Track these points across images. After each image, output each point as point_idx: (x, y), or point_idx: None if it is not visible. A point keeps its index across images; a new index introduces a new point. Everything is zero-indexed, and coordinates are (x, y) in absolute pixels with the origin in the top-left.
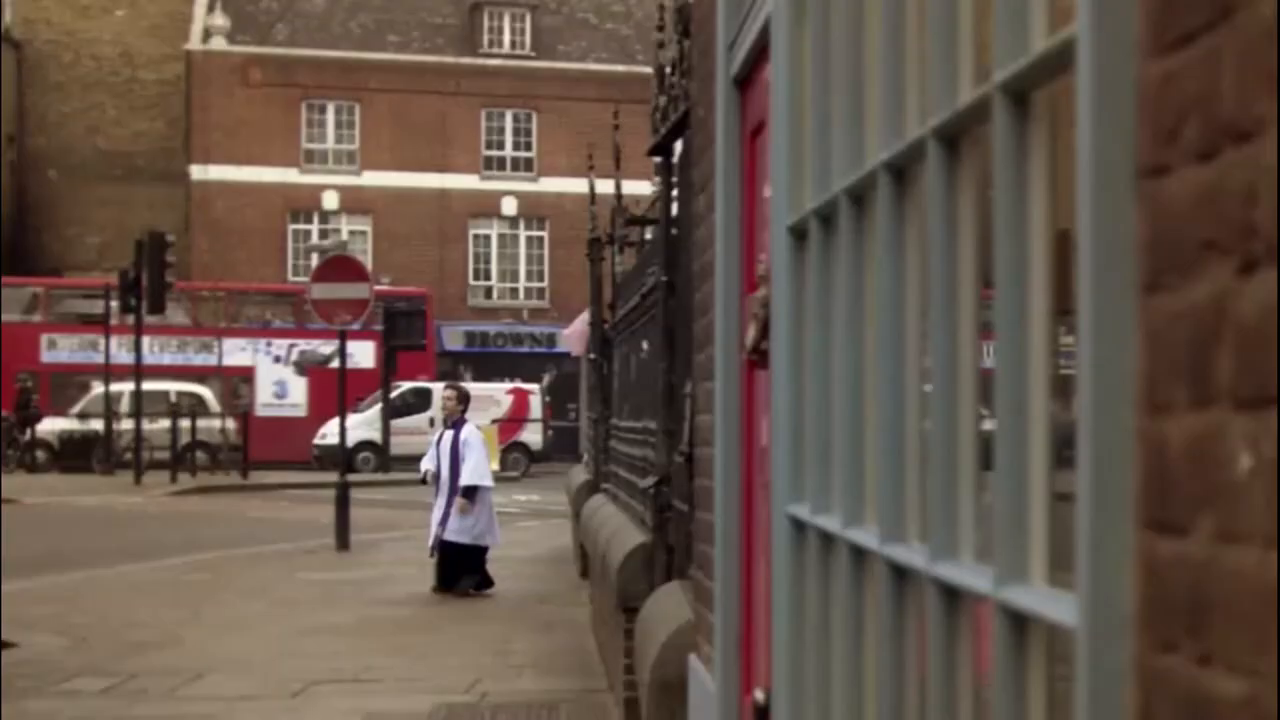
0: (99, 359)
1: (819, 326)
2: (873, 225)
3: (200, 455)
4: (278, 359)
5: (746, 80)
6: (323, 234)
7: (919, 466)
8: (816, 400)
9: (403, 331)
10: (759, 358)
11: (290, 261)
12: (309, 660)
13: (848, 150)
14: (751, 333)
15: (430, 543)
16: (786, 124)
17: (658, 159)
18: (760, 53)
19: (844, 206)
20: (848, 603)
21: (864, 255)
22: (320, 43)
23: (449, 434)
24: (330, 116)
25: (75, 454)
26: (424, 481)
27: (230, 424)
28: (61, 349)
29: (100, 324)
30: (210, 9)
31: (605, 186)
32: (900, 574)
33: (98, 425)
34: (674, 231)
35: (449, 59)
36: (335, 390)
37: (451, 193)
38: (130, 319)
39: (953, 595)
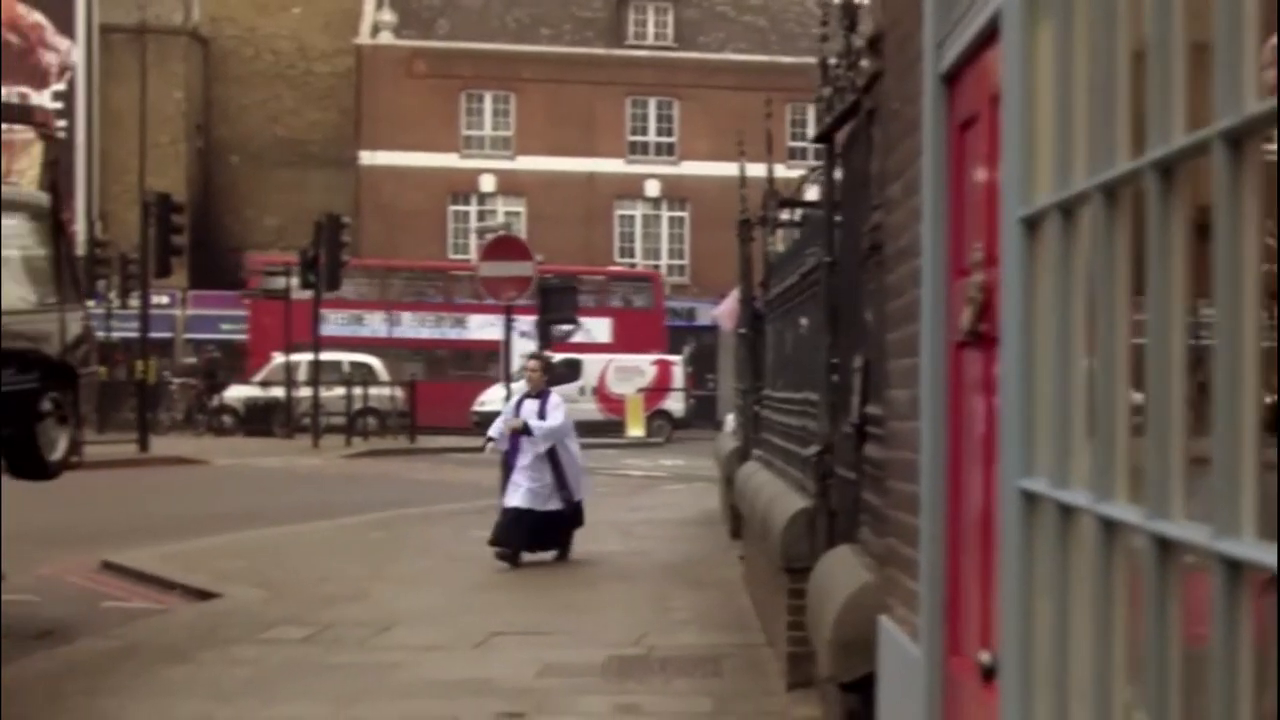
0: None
1: (1056, 312)
2: (1125, 220)
3: (370, 421)
4: (523, 333)
5: (955, 76)
6: (480, 215)
7: (1174, 442)
8: (1053, 380)
9: (555, 307)
10: (973, 339)
11: (450, 241)
12: (485, 614)
13: (1099, 148)
14: (967, 315)
15: (505, 502)
16: (1020, 121)
17: (822, 145)
18: (974, 52)
19: (1096, 201)
20: (1091, 573)
21: (1114, 248)
22: (479, 36)
23: (532, 403)
24: (488, 105)
25: (258, 419)
26: (482, 449)
27: (399, 392)
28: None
29: (282, 298)
30: (379, 6)
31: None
32: (1163, 546)
33: (278, 392)
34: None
35: (597, 50)
36: None
37: (599, 176)
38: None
39: (1234, 569)
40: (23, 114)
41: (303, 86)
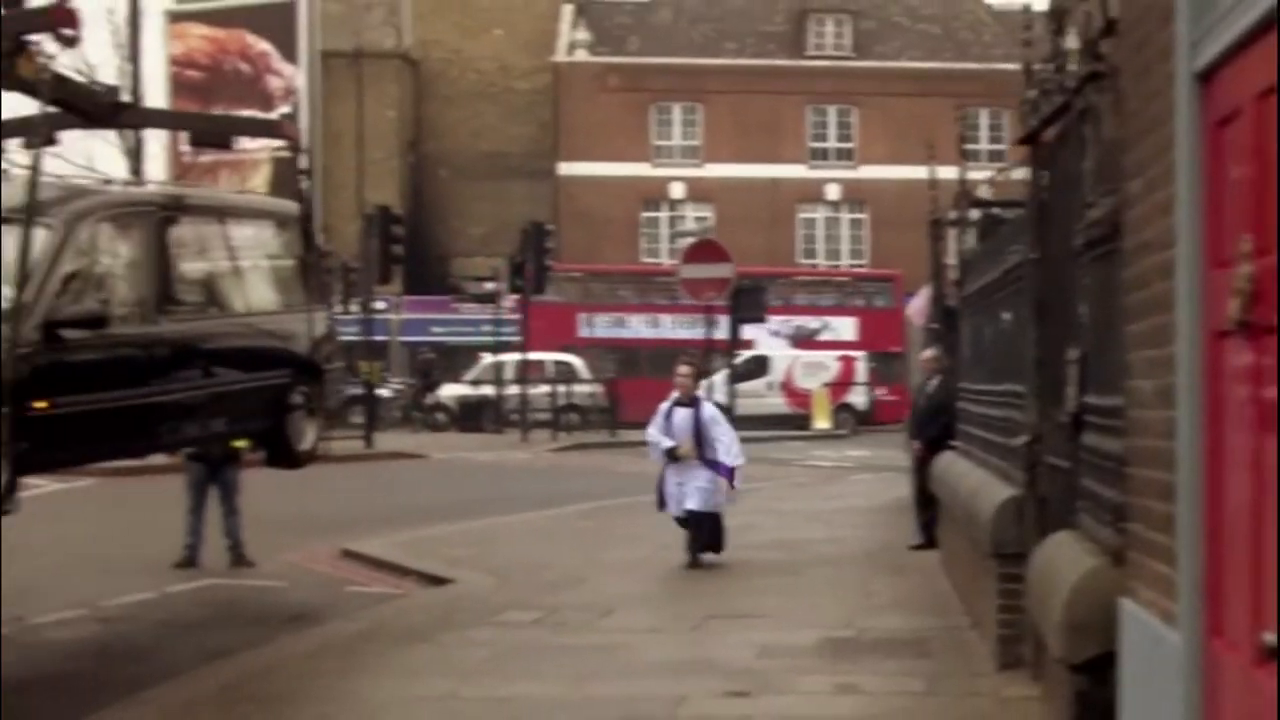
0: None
1: None
2: None
3: (574, 416)
4: (775, 333)
5: (1212, 74)
6: (671, 221)
7: None
8: None
9: (745, 307)
10: (1241, 329)
11: (642, 246)
12: (698, 598)
13: None
14: (1234, 305)
15: (674, 512)
16: None
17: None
18: (1235, 51)
19: None
20: None
21: None
22: (667, 51)
23: (684, 411)
24: (676, 116)
25: (470, 416)
26: (672, 457)
27: (599, 389)
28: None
29: (490, 301)
30: (574, 25)
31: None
32: None
33: (488, 391)
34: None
35: (779, 62)
36: None
37: (781, 181)
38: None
39: None
40: (272, 128)
41: (504, 103)
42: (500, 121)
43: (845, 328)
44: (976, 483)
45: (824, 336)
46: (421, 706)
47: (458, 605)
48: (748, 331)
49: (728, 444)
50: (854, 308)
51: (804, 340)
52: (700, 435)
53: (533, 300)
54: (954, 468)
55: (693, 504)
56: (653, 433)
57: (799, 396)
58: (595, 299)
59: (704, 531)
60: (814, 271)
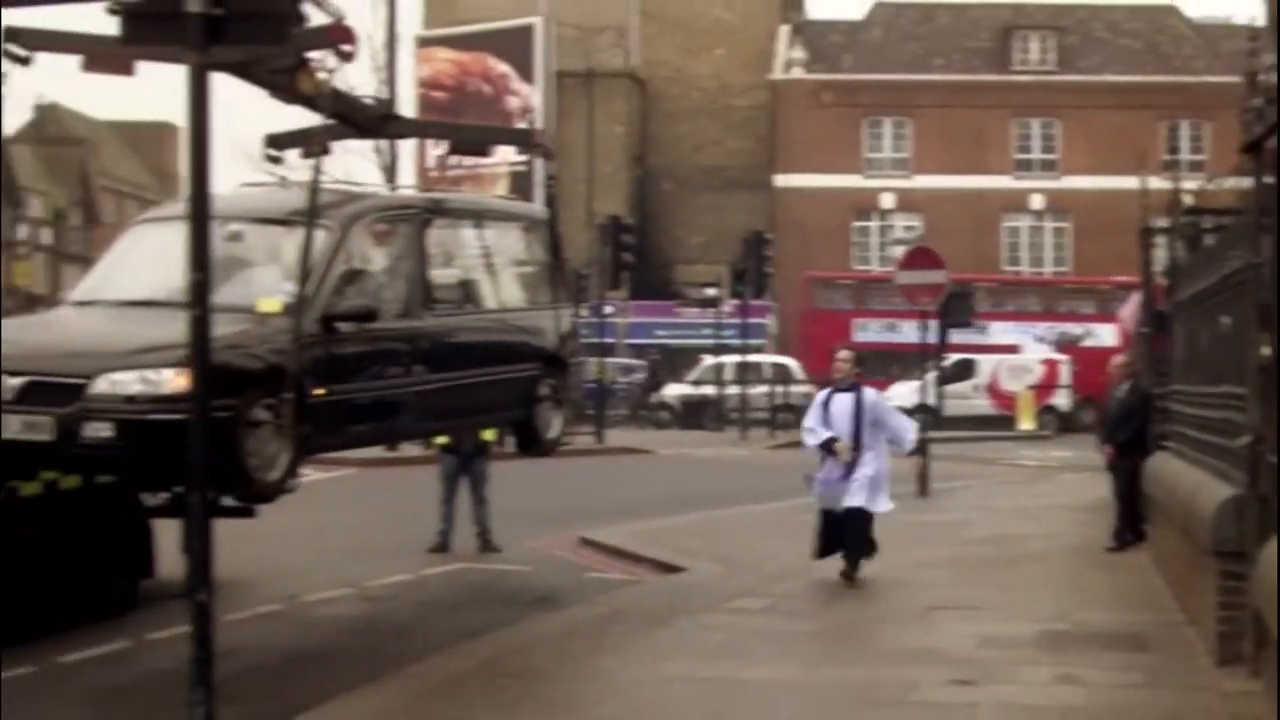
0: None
1: None
2: None
3: (789, 416)
4: (1039, 339)
5: None
6: (881, 230)
7: None
8: None
9: (954, 312)
10: None
11: (854, 254)
12: (921, 589)
13: None
14: None
15: (822, 505)
16: None
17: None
18: None
19: None
20: None
21: None
22: (878, 68)
23: (844, 396)
24: (887, 130)
25: (692, 415)
26: (829, 450)
27: (812, 390)
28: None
29: (711, 306)
30: (791, 45)
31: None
32: None
33: (709, 391)
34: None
35: (985, 77)
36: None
37: (987, 191)
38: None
39: None
40: (527, 137)
41: (724, 119)
42: (720, 136)
43: (1108, 335)
44: (1193, 482)
45: (1087, 343)
46: (666, 686)
47: (691, 592)
48: (1012, 336)
49: (897, 425)
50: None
51: (1068, 345)
52: (860, 422)
53: (816, 307)
54: (1167, 467)
55: (856, 500)
56: (809, 422)
57: (1004, 398)
58: (867, 305)
59: (854, 533)
60: (1078, 280)
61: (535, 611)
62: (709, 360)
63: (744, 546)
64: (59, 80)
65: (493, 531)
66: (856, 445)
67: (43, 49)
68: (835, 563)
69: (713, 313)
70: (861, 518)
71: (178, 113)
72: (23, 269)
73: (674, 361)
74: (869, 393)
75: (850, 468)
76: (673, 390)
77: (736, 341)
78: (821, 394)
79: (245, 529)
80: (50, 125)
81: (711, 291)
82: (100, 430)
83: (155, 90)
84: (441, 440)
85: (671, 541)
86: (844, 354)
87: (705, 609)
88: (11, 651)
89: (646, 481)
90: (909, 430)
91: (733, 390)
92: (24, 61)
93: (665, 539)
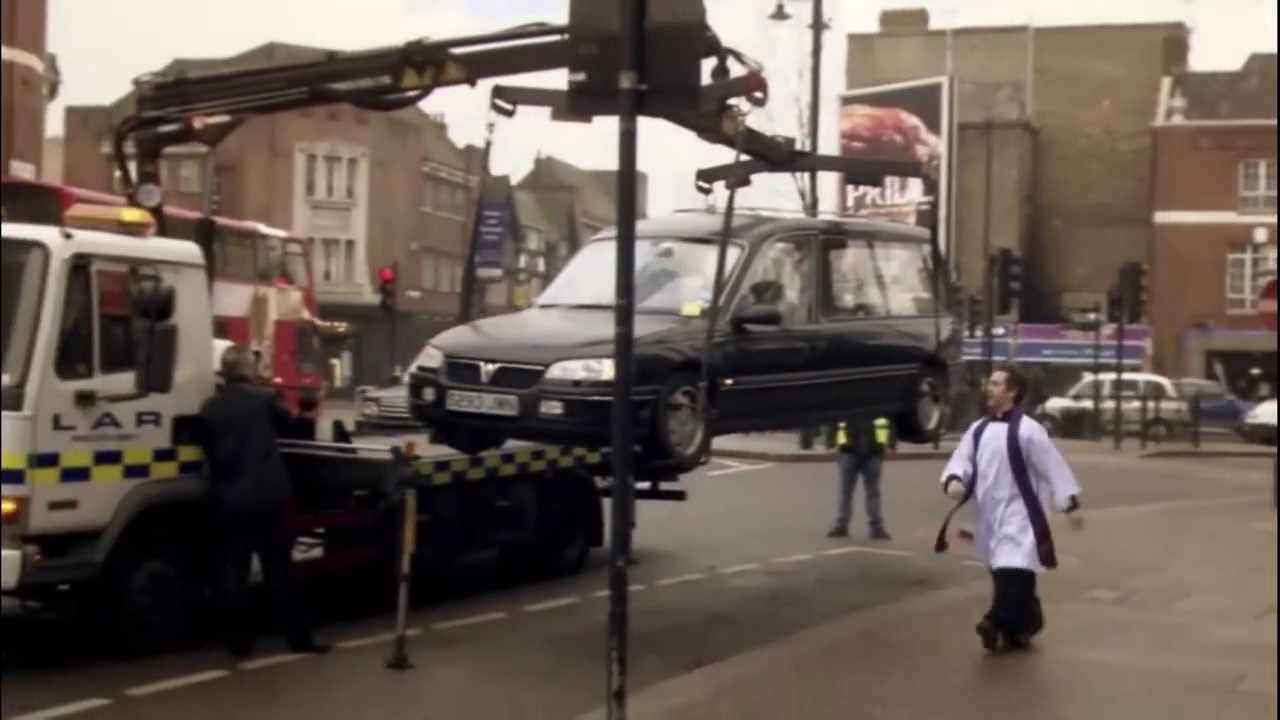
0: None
1: None
2: None
3: (1161, 429)
4: None
5: None
6: (1254, 263)
7: None
8: None
9: None
10: None
11: (1228, 283)
12: (1262, 592)
13: None
14: None
15: (980, 558)
16: None
17: None
18: None
19: None
20: None
21: None
22: (1255, 114)
23: (997, 426)
24: (1261, 170)
25: (1071, 425)
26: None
27: (1184, 405)
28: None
29: (1092, 329)
30: (1172, 95)
31: None
32: None
33: (1087, 404)
34: None
35: None
36: None
37: None
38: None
39: None
40: (911, 168)
41: (1108, 162)
42: (1104, 178)
43: None
44: None
45: None
46: (1020, 660)
47: (1050, 581)
48: None
49: (1056, 470)
50: None
51: None
52: (1015, 459)
53: None
54: None
55: (1006, 559)
56: (956, 463)
57: None
58: None
59: (1009, 598)
60: None
61: (914, 592)
62: (1089, 377)
63: (1105, 544)
64: (554, 138)
65: (883, 521)
66: (1022, 488)
67: (521, 103)
68: (1192, 562)
69: (1093, 335)
70: (1016, 580)
71: (646, 163)
72: (521, 291)
73: (1058, 378)
74: (1026, 424)
75: (997, 516)
76: (1055, 403)
77: (1114, 361)
78: (975, 424)
79: (679, 510)
80: (546, 175)
81: (1092, 316)
82: (553, 408)
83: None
84: (842, 441)
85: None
86: (998, 377)
87: (1062, 597)
88: (488, 598)
89: None
90: (1068, 482)
91: (1109, 404)
92: (508, 113)
93: None
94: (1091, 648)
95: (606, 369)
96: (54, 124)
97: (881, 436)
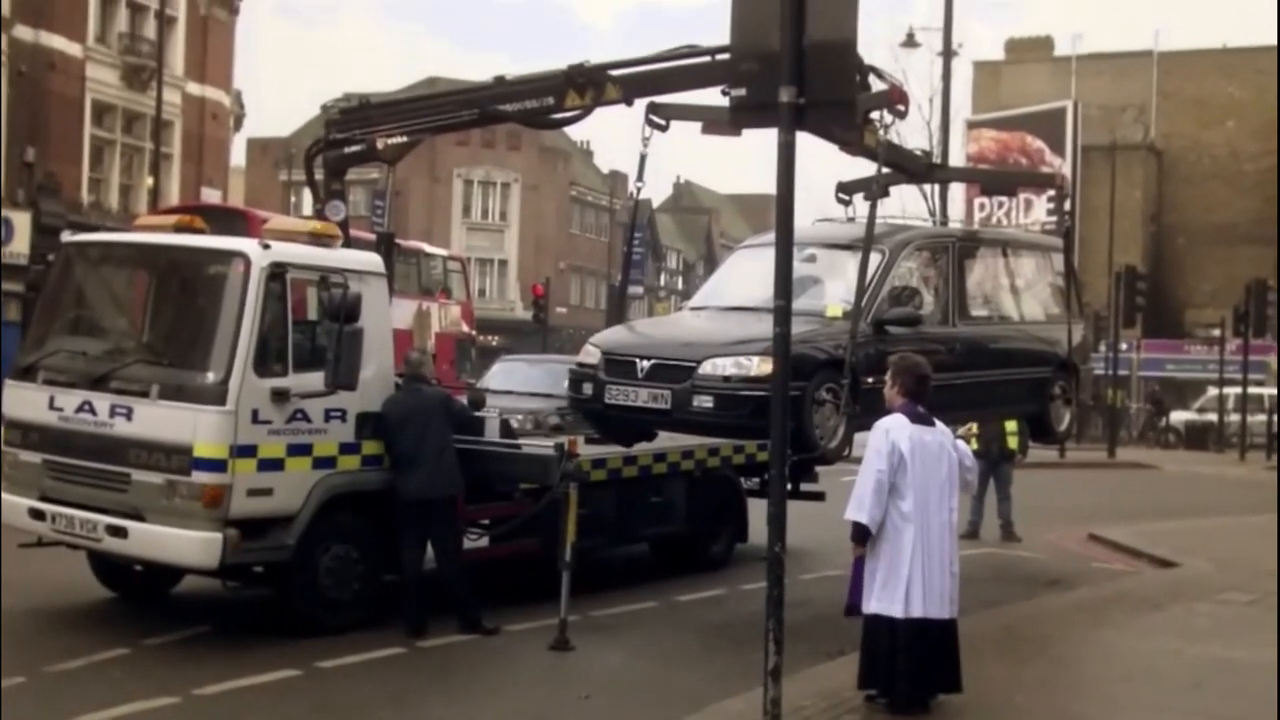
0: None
1: None
2: None
3: None
4: None
5: None
6: None
7: None
8: None
9: None
10: None
11: None
12: None
13: None
14: None
15: None
16: None
17: None
18: None
19: None
20: None
21: None
22: None
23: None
24: None
25: (1196, 437)
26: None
27: None
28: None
29: (1216, 344)
30: None
31: None
32: None
33: (1212, 417)
34: None
35: None
36: None
37: None
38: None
39: None
40: (1049, 180)
41: (1234, 182)
42: (1229, 197)
43: None
44: None
45: None
46: (1155, 657)
47: (1184, 584)
48: None
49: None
50: None
51: None
52: None
53: None
54: None
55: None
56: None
57: None
58: None
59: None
60: None
61: (1047, 591)
62: (1213, 391)
63: (1239, 550)
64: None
65: (1014, 524)
66: None
67: (674, 118)
68: None
69: (1217, 350)
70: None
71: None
72: (662, 307)
73: (1182, 391)
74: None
75: None
76: (1179, 415)
77: (1238, 375)
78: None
79: (817, 511)
80: (685, 198)
81: (1216, 331)
82: (704, 401)
83: (759, 167)
84: (974, 448)
85: (1170, 542)
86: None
87: (1196, 598)
88: (641, 588)
89: (1151, 492)
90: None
91: (1234, 417)
92: (662, 128)
93: (1164, 540)
94: (1225, 646)
95: (755, 365)
96: (237, 153)
97: (1012, 443)
